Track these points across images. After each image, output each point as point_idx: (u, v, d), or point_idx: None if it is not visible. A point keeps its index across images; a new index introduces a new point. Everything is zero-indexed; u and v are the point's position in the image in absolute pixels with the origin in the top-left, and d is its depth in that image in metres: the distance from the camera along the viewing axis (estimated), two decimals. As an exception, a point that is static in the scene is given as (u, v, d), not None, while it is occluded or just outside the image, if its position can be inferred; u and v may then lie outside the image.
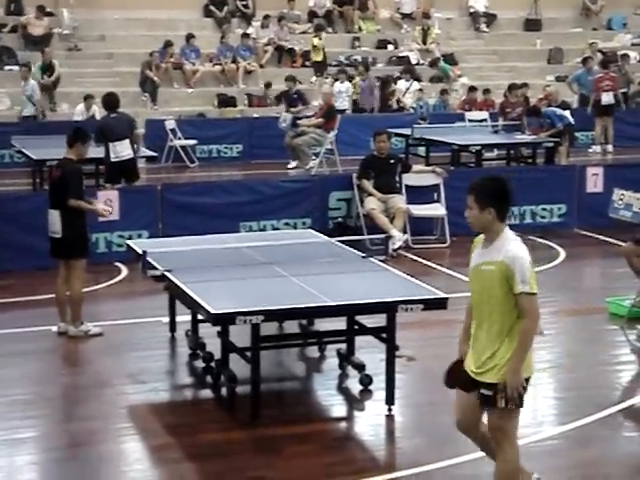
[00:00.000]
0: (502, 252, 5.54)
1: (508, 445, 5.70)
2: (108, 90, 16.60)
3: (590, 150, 21.20)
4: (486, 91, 21.95)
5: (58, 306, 9.68)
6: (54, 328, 9.67)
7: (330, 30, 26.18)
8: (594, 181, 14.42)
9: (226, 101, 23.24)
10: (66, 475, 6.76)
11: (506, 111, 19.43)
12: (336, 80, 22.75)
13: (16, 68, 22.80)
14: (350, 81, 22.60)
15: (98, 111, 20.00)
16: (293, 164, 18.72)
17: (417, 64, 25.39)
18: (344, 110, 21.41)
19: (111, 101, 14.12)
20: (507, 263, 5.50)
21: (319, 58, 24.57)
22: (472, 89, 22.23)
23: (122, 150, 13.57)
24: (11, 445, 7.18)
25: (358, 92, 22.71)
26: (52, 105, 22.12)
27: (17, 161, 18.06)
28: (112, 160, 13.60)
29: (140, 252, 8.51)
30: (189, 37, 23.90)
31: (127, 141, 13.68)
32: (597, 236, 13.81)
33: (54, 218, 9.44)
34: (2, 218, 11.94)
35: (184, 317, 9.10)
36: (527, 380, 5.64)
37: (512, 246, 5.56)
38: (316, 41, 24.61)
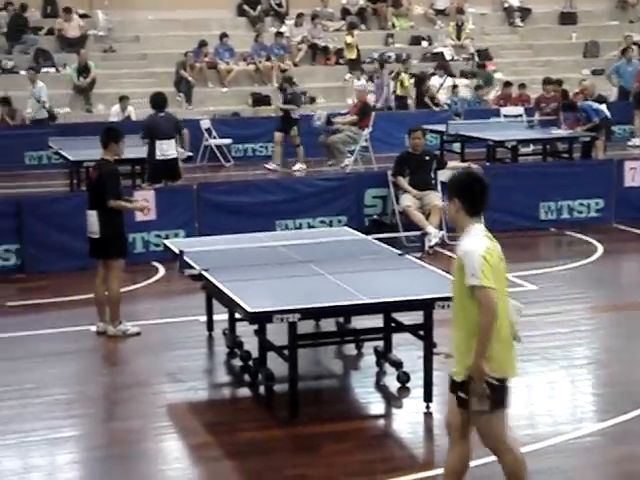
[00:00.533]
0: (460, 247, 5.58)
1: (504, 449, 5.63)
2: (143, 91, 16.78)
3: (630, 143, 21.04)
4: (521, 86, 21.83)
5: (97, 306, 9.77)
6: (93, 328, 9.75)
7: (364, 27, 26.17)
8: (632, 175, 14.31)
9: (260, 100, 23.28)
10: (107, 474, 6.82)
11: (541, 106, 19.35)
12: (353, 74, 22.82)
13: (52, 70, 23.02)
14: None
15: (134, 112, 20.16)
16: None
17: (451, 60, 25.31)
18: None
19: (159, 100, 14.43)
20: (461, 257, 5.52)
21: (353, 56, 24.58)
22: (507, 84, 22.12)
23: (168, 149, 13.80)
24: (52, 444, 7.26)
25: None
26: (88, 106, 22.28)
27: (54, 162, 18.21)
28: (157, 158, 13.78)
29: (177, 251, 8.56)
30: (223, 36, 23.97)
31: (173, 141, 13.90)
32: (636, 231, 13.71)
33: (92, 219, 9.52)
34: (40, 219, 12.06)
35: (221, 316, 9.15)
36: (503, 380, 5.51)
37: (467, 240, 5.55)
38: (349, 39, 24.63)
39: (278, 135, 18.93)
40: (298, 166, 18.78)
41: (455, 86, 23.01)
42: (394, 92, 22.98)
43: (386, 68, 23.16)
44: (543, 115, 19.03)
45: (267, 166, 18.85)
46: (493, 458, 6.13)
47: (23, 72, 22.64)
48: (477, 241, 5.50)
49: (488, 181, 5.69)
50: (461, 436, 5.72)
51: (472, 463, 5.98)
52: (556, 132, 17.88)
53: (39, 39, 23.87)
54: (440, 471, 6.59)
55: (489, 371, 5.43)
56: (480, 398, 5.46)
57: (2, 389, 8.32)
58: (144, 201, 11.09)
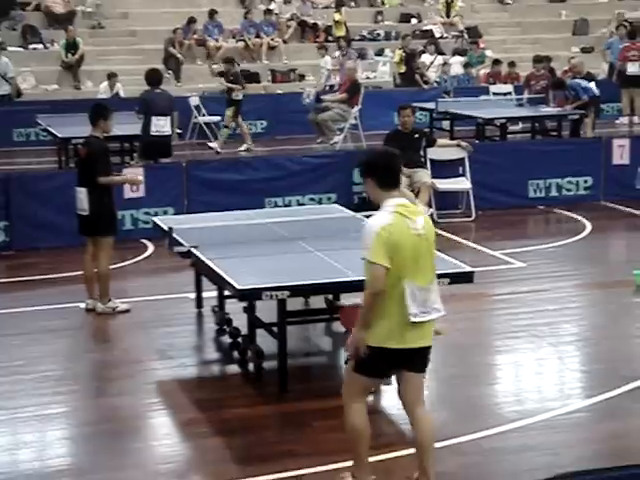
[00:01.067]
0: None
1: (347, 404, 5.89)
2: (132, 67, 16.74)
3: (617, 122, 21.05)
4: (511, 64, 21.79)
5: (86, 283, 9.76)
6: (82, 305, 9.75)
7: (353, 4, 26.08)
8: (620, 153, 14.34)
9: (250, 77, 23.18)
10: (96, 450, 6.83)
11: (531, 83, 19.34)
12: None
13: (40, 47, 22.89)
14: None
15: (122, 89, 20.08)
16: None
17: (441, 37, 25.26)
18: (331, 86, 21.51)
19: (155, 76, 14.36)
20: (362, 231, 5.71)
21: (342, 33, 24.47)
22: (496, 62, 22.10)
23: (164, 125, 13.75)
24: (42, 421, 7.26)
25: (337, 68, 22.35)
26: (76, 83, 22.17)
27: (42, 139, 18.15)
28: (152, 134, 13.71)
29: (166, 229, 8.55)
30: (212, 13, 23.85)
31: (168, 118, 13.86)
32: (624, 208, 13.75)
33: (81, 196, 9.50)
34: (29, 196, 12.03)
35: (210, 293, 9.16)
36: (373, 348, 5.65)
37: (375, 215, 5.72)
38: (337, 16, 24.51)
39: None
40: (214, 144, 18.49)
41: (445, 63, 22.95)
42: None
43: (351, 47, 22.93)
44: (532, 93, 19.02)
45: (240, 149, 18.56)
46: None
47: (11, 48, 22.54)
48: (379, 217, 5.65)
49: (397, 154, 5.90)
50: (414, 407, 5.89)
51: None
52: (545, 110, 17.89)
53: (26, 15, 23.70)
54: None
55: (367, 340, 5.63)
56: (351, 357, 5.79)
57: (-9, 366, 8.33)
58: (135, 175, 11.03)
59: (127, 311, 9.63)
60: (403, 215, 5.64)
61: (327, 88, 21.29)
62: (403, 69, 22.51)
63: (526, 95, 19.06)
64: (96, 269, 9.63)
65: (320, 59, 22.79)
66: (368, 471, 5.95)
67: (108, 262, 9.66)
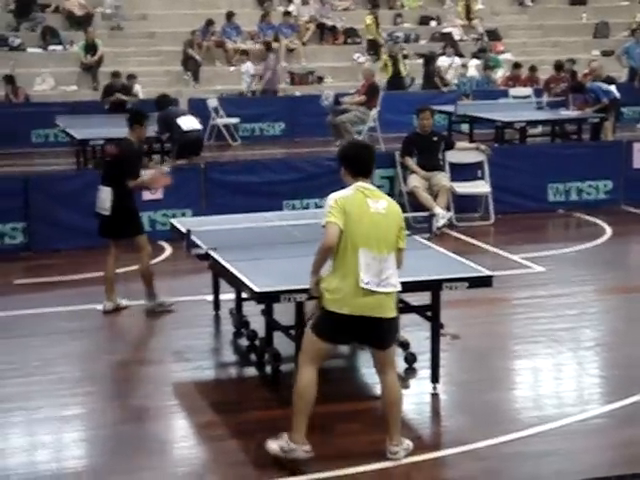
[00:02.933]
0: None
1: (300, 365, 6.39)
2: (151, 69, 16.81)
3: (638, 125, 20.94)
4: (532, 68, 21.69)
5: (106, 284, 9.73)
6: (99, 306, 9.75)
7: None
8: (641, 157, 14.26)
9: (268, 79, 23.17)
10: (113, 452, 6.82)
11: (550, 86, 19.26)
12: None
13: (59, 48, 22.97)
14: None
15: (141, 90, 20.12)
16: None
17: (460, 40, 25.20)
18: (253, 92, 21.63)
19: (165, 100, 15.05)
20: None
21: (371, 36, 24.29)
22: (516, 65, 22.02)
23: (193, 124, 14.04)
24: (59, 422, 7.26)
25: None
26: (95, 84, 22.21)
27: (61, 140, 18.20)
28: (186, 131, 13.91)
29: (184, 231, 8.54)
30: (230, 15, 23.87)
31: (191, 116, 14.07)
32: (644, 213, 13.69)
33: (104, 195, 9.45)
34: (47, 197, 12.05)
35: (228, 295, 9.14)
36: (329, 313, 6.15)
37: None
38: (369, 20, 24.30)
39: None
40: None
41: (463, 65, 22.88)
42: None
43: (273, 51, 22.66)
44: (552, 96, 18.93)
45: None
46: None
47: (30, 50, 22.64)
48: (339, 192, 6.26)
49: (370, 147, 6.55)
50: (381, 374, 6.45)
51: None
52: (565, 113, 17.82)
53: (46, 17, 23.80)
54: (448, 451, 6.66)
55: (325, 304, 6.17)
56: (312, 314, 6.32)
57: (9, 367, 8.34)
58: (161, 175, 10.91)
59: (170, 311, 9.62)
60: (363, 193, 6.23)
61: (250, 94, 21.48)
62: (389, 74, 22.07)
63: (546, 98, 18.98)
64: (139, 269, 9.66)
65: (241, 65, 22.33)
66: (304, 438, 6.27)
67: (148, 260, 9.69)
